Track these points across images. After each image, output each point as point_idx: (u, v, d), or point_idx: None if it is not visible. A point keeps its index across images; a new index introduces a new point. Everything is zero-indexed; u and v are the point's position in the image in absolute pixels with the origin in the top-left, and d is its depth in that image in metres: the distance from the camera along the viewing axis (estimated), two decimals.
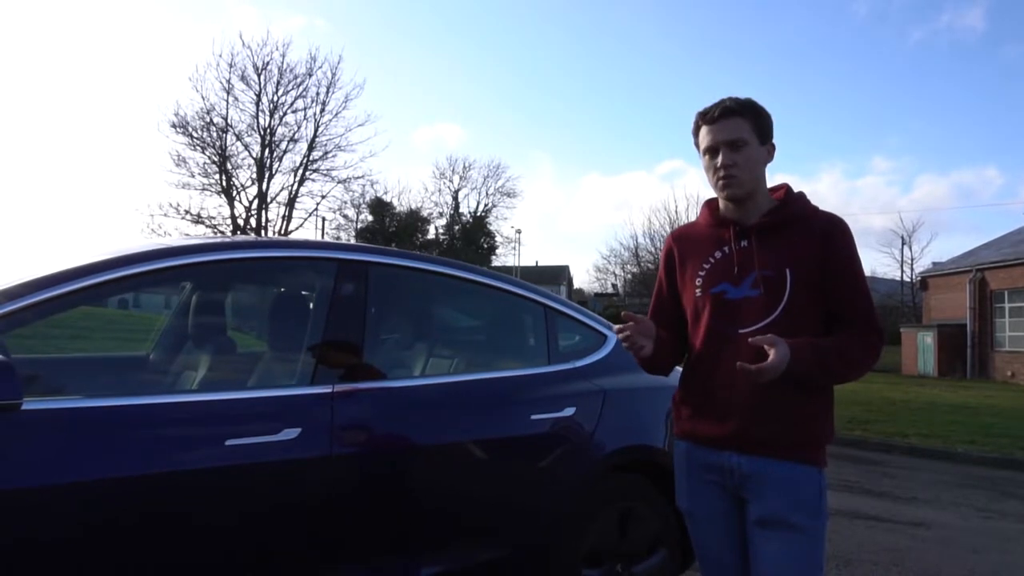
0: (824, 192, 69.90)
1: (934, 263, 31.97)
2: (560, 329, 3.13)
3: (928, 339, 25.36)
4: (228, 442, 2.09)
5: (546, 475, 2.78)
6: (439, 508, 2.53)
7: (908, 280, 42.61)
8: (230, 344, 2.87)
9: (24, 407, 1.81)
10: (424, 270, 2.87)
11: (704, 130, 1.95)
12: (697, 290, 2.00)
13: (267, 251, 2.64)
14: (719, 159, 1.92)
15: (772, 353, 1.73)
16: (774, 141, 1.98)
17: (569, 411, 2.86)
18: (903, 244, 43.51)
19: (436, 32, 74.74)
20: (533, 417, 2.77)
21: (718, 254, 1.99)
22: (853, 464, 8.07)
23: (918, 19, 72.84)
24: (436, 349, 3.26)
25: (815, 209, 1.98)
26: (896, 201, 73.60)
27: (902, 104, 73.01)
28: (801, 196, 2.01)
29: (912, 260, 43.09)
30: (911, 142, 74.15)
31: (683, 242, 2.11)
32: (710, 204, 2.09)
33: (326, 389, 2.33)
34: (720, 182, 1.94)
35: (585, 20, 78.22)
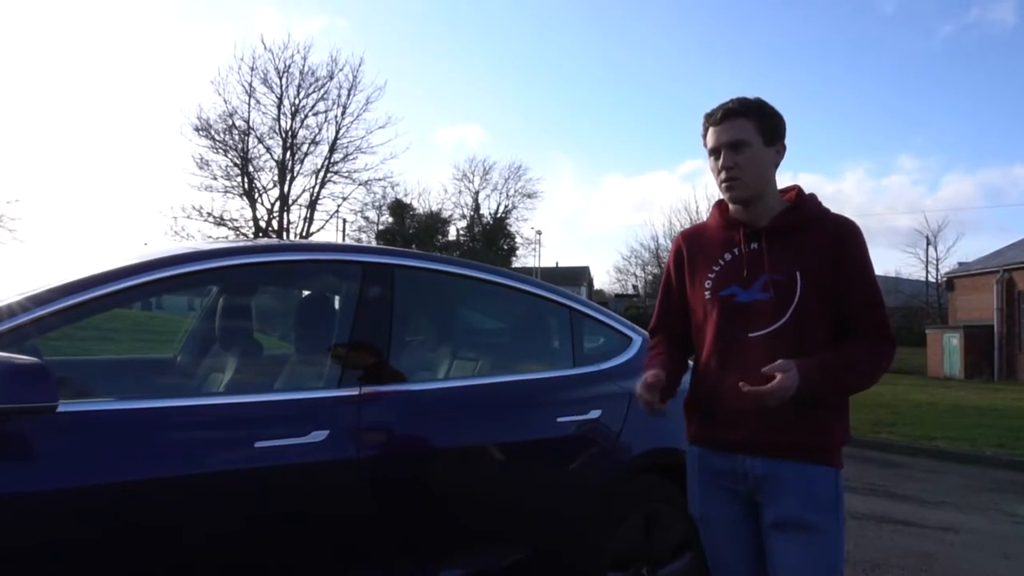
0: (849, 191, 69.37)
1: (960, 263, 31.53)
2: (585, 331, 3.13)
3: (954, 340, 25.02)
4: (258, 444, 2.11)
5: (572, 478, 2.78)
6: (465, 510, 2.54)
7: (933, 281, 42.06)
8: (257, 347, 2.90)
9: (59, 409, 1.83)
10: (449, 272, 2.88)
11: (709, 132, 1.95)
12: (706, 292, 1.98)
13: (294, 255, 2.66)
14: (721, 160, 1.91)
15: (778, 377, 1.70)
16: (786, 142, 1.96)
17: (595, 413, 2.85)
18: (928, 244, 42.99)
19: (457, 32, 75.04)
20: (559, 420, 2.77)
21: (728, 256, 1.97)
22: (879, 467, 7.98)
23: (946, 14, 72.06)
24: (461, 351, 3.26)
25: (827, 211, 1.95)
26: (922, 200, 72.75)
27: (929, 101, 72.26)
28: (812, 198, 1.98)
29: (938, 260, 42.56)
30: (938, 140, 73.39)
31: (693, 242, 2.09)
32: (720, 205, 2.06)
33: (353, 391, 2.34)
34: (723, 184, 1.93)
35: (606, 20, 78.14)
